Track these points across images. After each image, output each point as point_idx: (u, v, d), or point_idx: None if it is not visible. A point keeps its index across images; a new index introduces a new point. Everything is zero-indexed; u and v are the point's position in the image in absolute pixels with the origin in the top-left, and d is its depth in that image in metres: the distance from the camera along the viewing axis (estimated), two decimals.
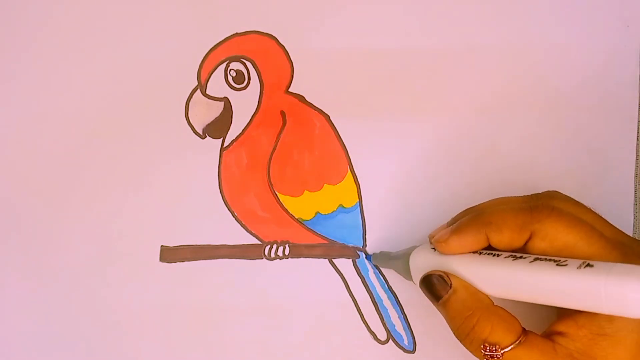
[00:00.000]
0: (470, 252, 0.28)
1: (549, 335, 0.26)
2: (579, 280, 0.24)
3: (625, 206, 0.35)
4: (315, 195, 0.35)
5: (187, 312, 0.35)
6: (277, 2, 0.35)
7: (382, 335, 0.35)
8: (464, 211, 0.31)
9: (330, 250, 0.35)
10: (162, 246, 0.35)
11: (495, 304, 0.27)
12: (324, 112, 0.35)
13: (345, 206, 0.35)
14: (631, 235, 0.34)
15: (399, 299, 0.35)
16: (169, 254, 0.35)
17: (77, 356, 0.35)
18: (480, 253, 0.28)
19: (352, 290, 0.35)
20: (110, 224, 0.35)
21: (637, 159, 0.35)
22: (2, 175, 0.35)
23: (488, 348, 0.26)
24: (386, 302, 0.35)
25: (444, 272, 0.28)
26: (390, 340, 0.35)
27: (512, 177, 0.35)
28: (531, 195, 0.30)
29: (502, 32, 0.35)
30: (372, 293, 0.35)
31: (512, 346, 0.25)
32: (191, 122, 0.35)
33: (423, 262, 0.30)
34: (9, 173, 0.35)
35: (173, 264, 0.35)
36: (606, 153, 0.35)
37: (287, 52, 0.35)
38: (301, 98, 0.35)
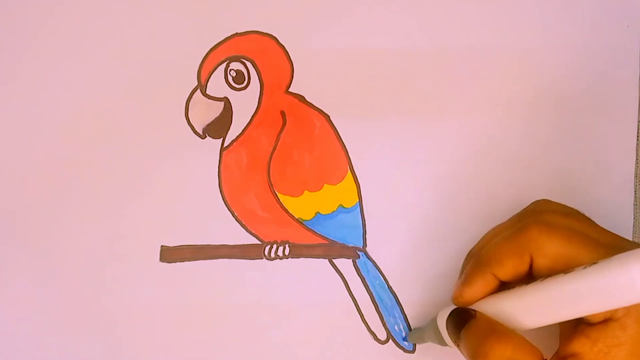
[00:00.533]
0: (486, 296, 0.28)
1: (564, 359, 0.26)
2: (588, 278, 0.24)
3: (625, 206, 0.35)
4: (315, 195, 0.35)
5: (187, 312, 0.35)
6: (277, 2, 0.35)
7: (382, 335, 0.35)
8: (466, 257, 0.31)
9: (330, 250, 0.35)
10: (162, 246, 0.35)
11: None
12: (324, 112, 0.35)
13: (345, 206, 0.35)
14: (631, 235, 0.34)
15: (399, 299, 0.35)
16: (169, 254, 0.35)
17: (77, 356, 0.35)
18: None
19: (352, 290, 0.35)
20: (110, 224, 0.35)
21: (637, 159, 0.35)
22: (2, 174, 0.35)
23: None
24: (386, 302, 0.35)
25: (469, 307, 0.28)
26: (390, 340, 0.35)
27: (512, 177, 0.35)
28: (518, 214, 0.30)
29: (502, 32, 0.35)
30: (372, 293, 0.35)
31: None
32: (191, 122, 0.35)
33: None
34: (9, 173, 0.35)
35: (173, 263, 0.35)
36: (606, 153, 0.35)
37: (287, 52, 0.35)
38: (301, 98, 0.35)
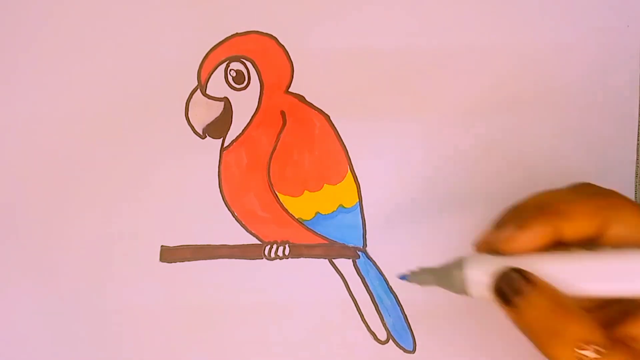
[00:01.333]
0: (538, 251, 0.25)
1: (624, 342, 0.24)
2: None
3: None
4: (315, 195, 0.35)
5: (187, 312, 0.35)
6: (277, 2, 0.35)
7: (382, 335, 0.35)
8: (508, 209, 0.27)
9: (330, 250, 0.35)
10: (162, 246, 0.35)
11: None
12: (324, 112, 0.35)
13: (345, 206, 0.35)
14: None
15: (399, 299, 0.35)
16: (169, 254, 0.35)
17: (77, 356, 0.35)
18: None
19: (352, 290, 0.35)
20: (111, 224, 0.35)
21: (637, 159, 0.35)
22: (2, 174, 0.35)
23: (586, 348, 0.22)
24: (386, 302, 0.35)
25: (522, 269, 0.24)
26: (390, 340, 0.35)
27: (512, 177, 0.35)
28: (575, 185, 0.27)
29: (502, 32, 0.35)
30: (372, 293, 0.35)
31: (605, 349, 0.22)
32: (191, 122, 0.35)
33: (484, 269, 0.25)
34: (9, 171, 0.35)
35: (173, 263, 0.35)
36: (606, 153, 0.35)
37: (287, 52, 0.35)
38: (301, 98, 0.35)
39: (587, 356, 0.22)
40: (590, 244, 0.25)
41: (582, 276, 0.24)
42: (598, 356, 0.22)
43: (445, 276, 0.27)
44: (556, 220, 0.24)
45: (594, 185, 0.26)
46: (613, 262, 0.24)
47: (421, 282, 0.29)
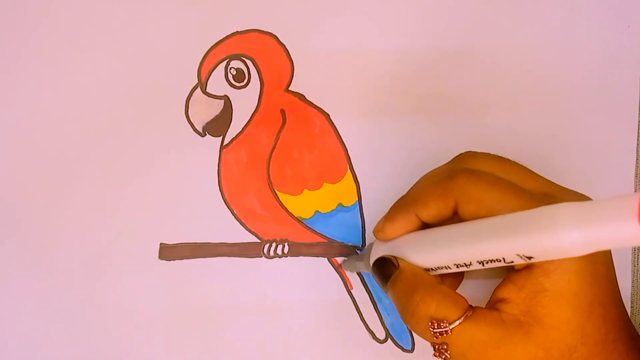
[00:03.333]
0: (408, 233, 0.28)
1: (493, 305, 0.26)
2: (507, 223, 0.24)
3: None
4: (314, 193, 0.35)
5: (185, 309, 0.35)
6: (278, 1, 0.35)
7: (380, 334, 0.35)
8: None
9: (330, 249, 0.35)
10: (161, 244, 0.35)
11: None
12: (323, 111, 0.35)
13: (344, 205, 0.35)
14: None
15: None
16: (168, 252, 0.35)
17: (76, 353, 0.35)
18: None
19: (350, 289, 0.35)
20: (110, 221, 0.35)
21: (637, 159, 0.35)
22: (2, 171, 0.35)
23: (436, 324, 0.25)
24: (385, 301, 0.35)
25: (392, 256, 0.28)
26: (389, 339, 0.35)
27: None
28: (452, 160, 0.29)
29: (502, 32, 0.35)
30: (370, 292, 0.35)
31: (459, 321, 0.25)
32: (191, 119, 0.35)
33: (377, 254, 0.30)
34: (8, 170, 0.35)
35: (172, 261, 0.35)
36: (606, 153, 0.35)
37: (287, 50, 0.35)
38: (301, 97, 0.35)
39: (441, 331, 0.25)
40: (451, 220, 0.27)
41: (431, 252, 0.27)
42: (450, 329, 0.25)
43: (362, 261, 0.32)
44: (413, 209, 0.28)
45: (462, 159, 0.29)
46: (453, 232, 0.26)
47: (350, 269, 0.34)
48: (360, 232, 0.35)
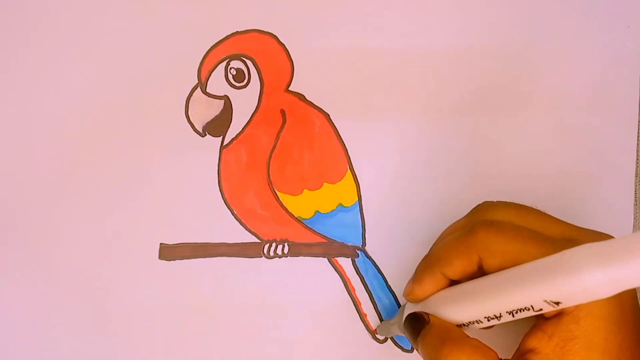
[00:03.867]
0: (437, 292, 0.29)
1: (522, 355, 0.26)
2: (531, 271, 0.24)
3: (625, 206, 0.34)
4: (314, 194, 0.35)
5: (185, 309, 0.35)
6: (278, 1, 0.35)
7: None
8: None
9: (330, 249, 0.35)
10: (161, 244, 0.35)
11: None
12: (323, 111, 0.35)
13: (344, 205, 0.35)
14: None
15: (398, 298, 0.35)
16: (168, 252, 0.35)
17: (75, 354, 0.35)
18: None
19: (350, 289, 0.35)
20: (110, 222, 0.35)
21: (637, 159, 0.35)
22: (1, 171, 0.35)
23: None
24: (385, 301, 0.35)
25: (422, 312, 0.29)
26: (389, 340, 0.35)
27: (512, 177, 0.35)
28: (470, 212, 0.30)
29: (502, 32, 0.35)
30: (370, 292, 0.35)
31: None
32: (191, 120, 0.35)
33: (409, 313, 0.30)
34: (8, 169, 0.35)
35: (172, 261, 0.35)
36: (606, 153, 0.35)
37: (287, 50, 0.35)
38: (301, 97, 0.35)
39: None
40: (478, 273, 0.27)
41: (460, 308, 0.27)
42: None
43: (398, 325, 0.32)
44: (438, 268, 0.28)
45: (482, 210, 0.29)
46: (481, 287, 0.26)
47: (388, 333, 0.34)
48: (360, 232, 0.35)
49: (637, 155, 0.35)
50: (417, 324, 0.28)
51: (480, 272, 0.27)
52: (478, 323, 0.27)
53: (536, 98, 0.35)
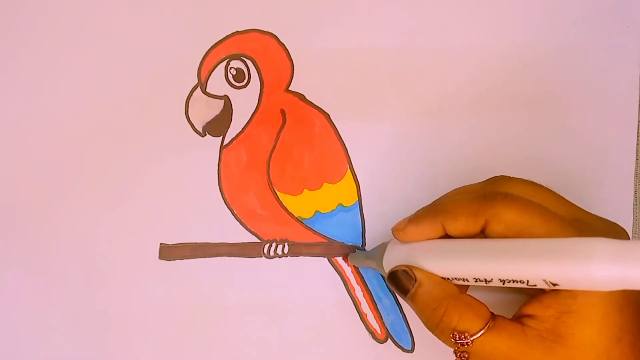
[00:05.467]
0: (429, 239, 0.29)
1: (518, 319, 0.26)
2: (539, 243, 0.24)
3: (625, 206, 0.35)
4: (314, 193, 0.35)
5: (185, 309, 0.35)
6: (278, 1, 0.35)
7: (380, 334, 0.35)
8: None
9: (330, 248, 0.35)
10: (161, 244, 0.35)
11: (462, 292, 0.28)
12: (324, 111, 0.35)
13: (344, 205, 0.35)
14: (630, 235, 0.34)
15: (398, 298, 0.35)
16: (168, 252, 0.35)
17: (75, 354, 0.35)
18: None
19: (350, 289, 0.35)
20: (110, 221, 0.35)
21: (637, 159, 0.35)
22: (1, 170, 0.35)
23: (457, 336, 0.26)
24: (384, 301, 0.35)
25: (408, 267, 0.28)
26: (389, 339, 0.35)
27: (512, 176, 0.35)
28: (486, 180, 0.30)
29: (502, 32, 0.35)
30: (370, 292, 0.35)
31: (481, 332, 0.26)
32: (191, 119, 0.35)
33: (392, 256, 0.30)
34: (8, 168, 0.35)
35: (172, 261, 0.35)
36: (606, 153, 0.35)
37: (287, 50, 0.35)
38: (301, 97, 0.35)
39: (463, 342, 0.26)
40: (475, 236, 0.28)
41: (453, 262, 0.27)
42: (471, 340, 0.26)
43: (375, 261, 0.31)
44: (442, 219, 0.28)
45: (500, 182, 0.29)
46: (476, 250, 0.26)
47: (359, 264, 0.33)
48: (360, 232, 0.35)
49: (637, 155, 0.35)
50: (404, 280, 0.28)
51: (479, 235, 0.27)
52: (463, 281, 0.27)
53: (536, 98, 0.35)
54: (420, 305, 0.27)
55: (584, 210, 0.28)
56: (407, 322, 0.35)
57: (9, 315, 0.35)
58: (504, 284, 0.25)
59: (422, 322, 0.28)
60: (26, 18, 0.35)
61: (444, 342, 0.27)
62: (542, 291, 0.26)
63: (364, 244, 0.35)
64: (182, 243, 0.35)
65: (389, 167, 0.35)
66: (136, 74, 0.35)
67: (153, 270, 0.35)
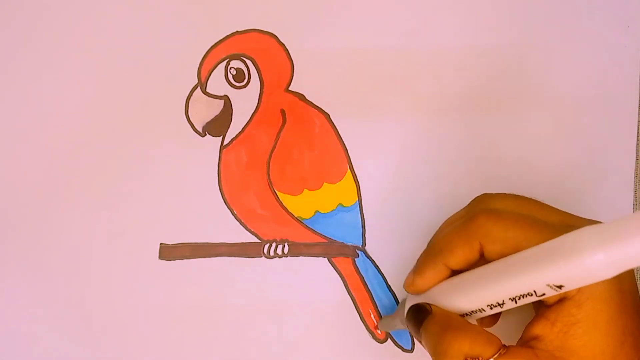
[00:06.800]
0: (439, 283, 0.29)
1: (526, 343, 0.26)
2: (533, 256, 0.24)
3: (625, 206, 0.34)
4: (314, 194, 0.35)
5: (185, 309, 0.35)
6: (278, 1, 0.35)
7: (380, 334, 0.35)
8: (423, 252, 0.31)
9: (330, 249, 0.35)
10: (161, 244, 0.35)
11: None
12: (323, 111, 0.35)
13: (344, 205, 0.35)
14: None
15: (398, 298, 0.35)
16: (168, 252, 0.35)
17: (75, 354, 0.35)
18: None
19: (350, 289, 0.35)
20: (110, 221, 0.35)
21: (637, 159, 0.35)
22: (2, 171, 0.35)
23: None
24: (384, 301, 0.35)
25: (425, 303, 0.28)
26: (389, 340, 0.35)
27: (512, 177, 0.35)
28: (470, 203, 0.30)
29: (502, 32, 0.35)
30: (370, 292, 0.35)
31: (494, 358, 0.25)
32: (191, 119, 0.35)
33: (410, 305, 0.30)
34: (7, 168, 0.35)
35: (172, 261, 0.35)
36: (606, 153, 0.35)
37: (287, 50, 0.35)
38: (301, 97, 0.35)
39: None
40: (479, 263, 0.27)
41: (462, 297, 0.27)
42: None
43: (399, 317, 0.31)
44: (440, 258, 0.28)
45: (481, 201, 0.29)
46: (482, 274, 0.26)
47: (389, 328, 0.34)
48: (360, 232, 0.35)
49: (637, 155, 0.35)
50: (420, 314, 0.28)
51: (482, 261, 0.27)
52: (481, 312, 0.27)
53: (536, 98, 0.35)
54: (429, 334, 0.27)
55: (573, 215, 0.28)
56: None
57: (9, 315, 0.35)
58: (516, 303, 0.25)
59: (430, 353, 0.27)
60: (26, 18, 0.35)
61: None
62: (546, 307, 0.25)
63: (364, 244, 0.35)
64: (182, 243, 0.35)
65: (389, 167, 0.35)
66: (136, 74, 0.35)
67: (153, 270, 0.35)
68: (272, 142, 0.35)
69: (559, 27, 0.35)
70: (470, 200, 0.30)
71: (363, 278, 0.35)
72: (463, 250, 0.27)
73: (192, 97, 0.35)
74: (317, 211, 0.35)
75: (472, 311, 0.27)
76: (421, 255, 0.29)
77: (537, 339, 0.25)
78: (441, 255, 0.28)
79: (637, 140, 0.35)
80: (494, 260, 0.26)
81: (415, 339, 0.32)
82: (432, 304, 0.28)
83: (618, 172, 0.35)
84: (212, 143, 0.35)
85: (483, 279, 0.26)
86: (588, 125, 0.35)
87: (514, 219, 0.26)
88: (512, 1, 0.35)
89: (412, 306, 0.29)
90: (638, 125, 0.35)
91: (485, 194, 0.29)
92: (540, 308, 0.26)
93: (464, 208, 0.30)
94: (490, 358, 0.25)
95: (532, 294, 0.24)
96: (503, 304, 0.25)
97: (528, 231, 0.25)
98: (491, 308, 0.26)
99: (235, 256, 0.35)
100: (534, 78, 0.35)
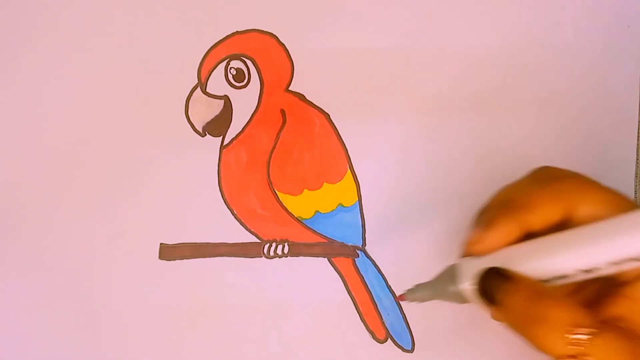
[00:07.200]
0: (509, 246, 0.25)
1: (607, 323, 0.23)
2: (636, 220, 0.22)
3: None
4: (314, 194, 0.35)
5: (185, 309, 0.35)
6: (278, 1, 0.35)
7: (380, 334, 0.35)
8: (479, 211, 0.27)
9: (330, 249, 0.35)
10: (161, 244, 0.35)
11: None
12: (323, 111, 0.35)
13: (344, 205, 0.35)
14: None
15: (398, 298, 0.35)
16: (168, 252, 0.35)
17: (75, 354, 0.35)
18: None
19: (350, 289, 0.35)
20: (110, 221, 0.35)
21: (637, 159, 0.35)
22: (2, 171, 0.35)
23: (576, 332, 0.22)
24: (385, 301, 0.35)
25: (498, 268, 0.24)
26: (389, 340, 0.35)
27: (512, 176, 0.35)
28: (533, 172, 0.27)
29: (502, 32, 0.35)
30: (370, 292, 0.35)
31: (592, 331, 0.22)
32: (191, 119, 0.35)
33: (470, 275, 0.25)
34: (8, 169, 0.35)
35: (172, 261, 0.35)
36: (606, 153, 0.35)
37: (287, 50, 0.35)
38: (301, 97, 0.35)
39: (580, 339, 0.22)
40: (562, 227, 0.25)
41: (553, 259, 0.24)
42: (590, 336, 0.22)
43: (441, 288, 0.27)
44: (520, 215, 0.25)
45: (553, 169, 0.27)
46: (579, 237, 0.24)
47: (420, 299, 0.28)
48: (360, 232, 0.35)
49: (637, 155, 0.35)
50: (497, 281, 0.24)
51: (561, 227, 0.24)
52: (563, 279, 0.24)
53: (536, 98, 0.35)
54: (517, 305, 0.23)
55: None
56: (407, 322, 0.35)
57: (9, 315, 0.35)
58: (617, 267, 0.22)
59: (517, 323, 0.23)
60: (26, 18, 0.35)
61: (549, 347, 0.22)
62: (620, 286, 0.23)
63: (364, 244, 0.35)
64: (182, 243, 0.35)
65: (389, 167, 0.35)
66: (136, 74, 0.35)
67: (153, 270, 0.35)
68: (272, 142, 0.35)
69: (559, 27, 0.35)
70: (470, 205, 0.28)
71: (363, 278, 0.35)
72: (550, 208, 0.24)
73: (192, 97, 0.35)
74: (317, 211, 0.35)
75: (555, 277, 0.24)
76: (488, 210, 0.26)
77: (620, 320, 0.23)
78: (520, 211, 0.24)
79: (637, 140, 0.35)
80: (578, 224, 0.24)
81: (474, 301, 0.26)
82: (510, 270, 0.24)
83: (618, 172, 0.35)
84: (212, 143, 0.35)
85: (581, 239, 0.23)
86: (588, 125, 0.35)
87: (602, 185, 0.24)
88: (512, 1, 0.35)
89: (489, 270, 0.24)
90: (638, 125, 0.35)
91: (548, 167, 0.27)
92: (615, 287, 0.24)
93: (525, 176, 0.27)
94: (590, 331, 0.22)
95: (639, 259, 0.22)
96: (598, 269, 0.23)
97: (623, 198, 0.23)
98: (585, 273, 0.23)
99: (235, 256, 0.35)
100: (534, 78, 0.35)
